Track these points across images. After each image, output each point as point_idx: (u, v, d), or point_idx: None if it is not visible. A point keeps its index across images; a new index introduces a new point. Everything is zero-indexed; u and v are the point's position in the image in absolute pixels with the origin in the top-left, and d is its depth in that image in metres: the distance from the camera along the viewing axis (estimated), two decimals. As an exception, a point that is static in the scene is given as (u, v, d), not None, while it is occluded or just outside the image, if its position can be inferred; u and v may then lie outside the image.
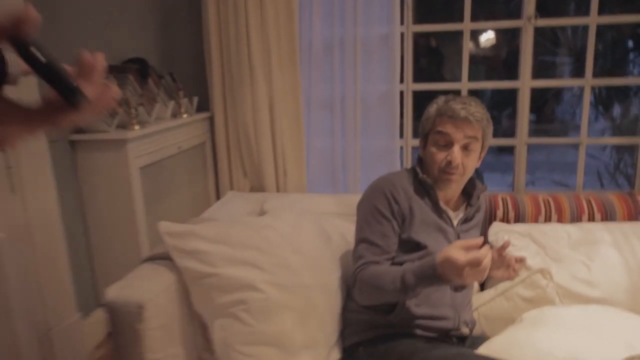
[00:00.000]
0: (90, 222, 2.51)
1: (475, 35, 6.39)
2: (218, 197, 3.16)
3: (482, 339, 1.57)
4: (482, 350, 1.41)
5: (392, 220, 1.56)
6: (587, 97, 2.86)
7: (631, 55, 6.04)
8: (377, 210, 1.57)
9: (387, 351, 1.50)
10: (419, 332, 1.50)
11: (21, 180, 2.04)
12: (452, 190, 1.59)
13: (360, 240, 1.60)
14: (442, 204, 1.58)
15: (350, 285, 1.71)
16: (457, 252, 1.27)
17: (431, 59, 6.01)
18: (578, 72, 5.41)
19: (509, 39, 5.97)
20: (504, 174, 4.83)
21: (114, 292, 1.43)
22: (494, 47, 6.74)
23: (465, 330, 1.57)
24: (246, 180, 3.05)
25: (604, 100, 5.57)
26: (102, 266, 2.57)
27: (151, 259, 1.61)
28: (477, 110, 1.51)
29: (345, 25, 2.87)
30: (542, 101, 6.22)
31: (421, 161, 1.65)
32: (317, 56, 2.93)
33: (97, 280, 2.59)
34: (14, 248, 2.04)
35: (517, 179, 2.93)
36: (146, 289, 1.45)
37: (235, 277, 1.51)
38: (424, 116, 1.62)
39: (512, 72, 3.04)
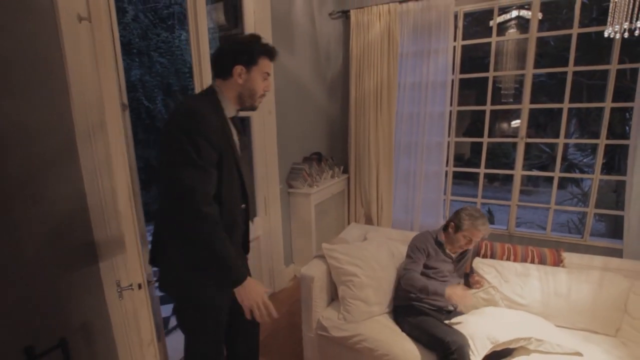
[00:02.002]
0: (292, 227, 2.87)
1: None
2: (348, 219, 3.46)
3: (459, 313, 1.71)
4: (449, 292, 1.56)
5: (423, 255, 1.73)
6: (555, 185, 2.86)
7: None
8: (417, 248, 1.74)
9: (410, 311, 1.68)
10: (426, 305, 1.68)
11: (269, 209, 2.52)
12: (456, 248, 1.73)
13: (408, 258, 1.75)
14: (448, 251, 1.74)
15: (399, 277, 1.84)
16: (456, 293, 1.55)
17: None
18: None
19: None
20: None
21: (304, 271, 1.77)
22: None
23: (450, 308, 1.72)
24: (362, 209, 3.39)
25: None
26: (296, 244, 2.93)
27: (316, 257, 1.92)
28: (487, 230, 1.62)
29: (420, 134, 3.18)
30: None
31: (445, 230, 1.74)
32: (402, 153, 3.25)
33: (293, 251, 2.95)
34: (265, 239, 2.52)
35: (510, 224, 3.01)
36: (315, 270, 1.78)
37: (349, 270, 1.76)
38: (461, 220, 1.66)
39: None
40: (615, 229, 3.53)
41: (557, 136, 2.73)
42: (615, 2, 1.07)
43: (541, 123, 5.29)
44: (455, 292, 1.56)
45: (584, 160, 4.48)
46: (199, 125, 1.02)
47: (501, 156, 5.48)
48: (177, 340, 2.19)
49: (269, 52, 1.17)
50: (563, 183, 4.50)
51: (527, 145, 2.84)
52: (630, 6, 1.03)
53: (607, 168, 3.53)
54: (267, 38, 2.44)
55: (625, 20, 1.06)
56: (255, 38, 1.19)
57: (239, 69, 1.14)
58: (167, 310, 2.61)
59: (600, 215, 3.82)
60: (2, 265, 1.09)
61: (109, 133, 0.96)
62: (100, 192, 1.35)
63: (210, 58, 1.44)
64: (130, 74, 4.43)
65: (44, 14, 1.14)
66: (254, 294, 1.06)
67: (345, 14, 3.19)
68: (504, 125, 7.56)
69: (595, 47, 2.56)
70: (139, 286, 1.11)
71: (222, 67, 1.17)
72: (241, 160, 1.19)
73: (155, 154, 4.89)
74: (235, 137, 1.20)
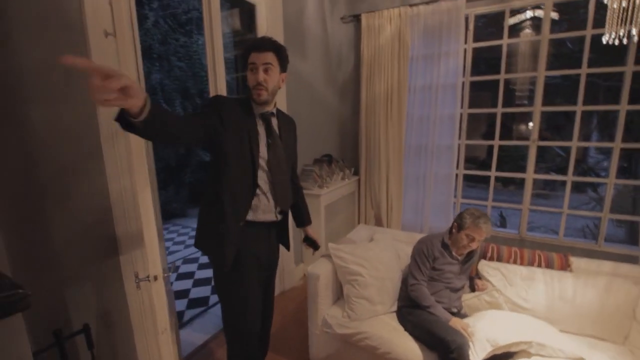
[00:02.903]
0: None
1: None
2: (359, 220, 3.49)
3: (462, 316, 1.74)
4: (452, 323, 1.58)
5: (429, 259, 1.76)
6: (568, 189, 2.80)
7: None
8: (423, 252, 1.77)
9: (413, 311, 1.71)
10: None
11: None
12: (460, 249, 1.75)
13: (414, 263, 1.79)
14: (454, 253, 1.76)
15: (403, 278, 1.93)
16: (456, 325, 1.55)
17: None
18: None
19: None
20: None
21: (310, 269, 1.83)
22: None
23: (453, 309, 1.73)
24: (372, 210, 3.42)
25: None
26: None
27: (323, 256, 1.97)
28: (490, 228, 1.67)
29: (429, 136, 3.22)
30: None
31: (451, 232, 1.78)
32: (412, 155, 3.28)
33: (303, 251, 2.97)
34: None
35: (521, 228, 2.98)
36: (321, 269, 1.84)
37: (354, 269, 1.82)
38: (463, 219, 1.69)
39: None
40: (633, 235, 3.44)
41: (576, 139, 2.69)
42: (614, 9, 1.09)
43: (560, 125, 5.17)
44: (456, 324, 1.58)
45: (605, 163, 4.35)
46: (213, 101, 1.25)
47: (518, 159, 5.38)
48: (190, 335, 2.31)
49: (249, 46, 1.25)
50: (582, 187, 4.40)
51: (543, 148, 2.81)
52: (626, 13, 1.06)
53: (627, 172, 3.43)
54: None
55: (621, 27, 1.08)
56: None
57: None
58: (180, 305, 2.75)
59: (620, 221, 3.71)
60: (35, 257, 1.21)
61: (130, 136, 1.07)
62: (122, 191, 1.47)
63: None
64: (150, 78, 4.63)
65: (75, 30, 1.27)
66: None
67: (356, 18, 3.26)
68: (522, 127, 7.43)
69: (611, 48, 2.51)
70: (155, 278, 1.21)
71: None
72: (270, 150, 1.31)
73: (174, 155, 5.09)
74: (262, 129, 1.32)
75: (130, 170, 1.32)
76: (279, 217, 1.42)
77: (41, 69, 1.19)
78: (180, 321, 2.46)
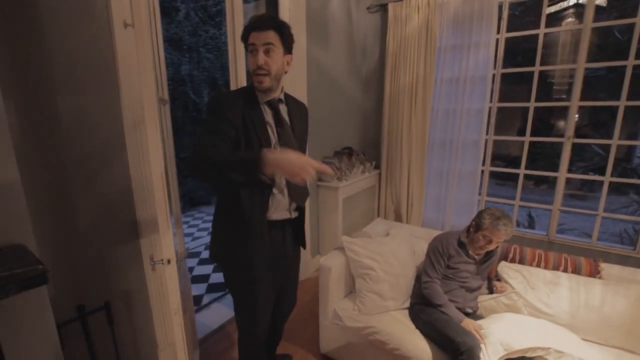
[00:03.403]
0: (320, 219, 2.92)
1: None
2: (378, 214, 3.44)
3: (478, 317, 1.69)
4: (464, 323, 1.55)
5: (443, 257, 1.73)
6: (605, 190, 2.60)
7: None
8: (438, 250, 1.74)
9: (423, 310, 1.69)
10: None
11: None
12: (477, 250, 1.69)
13: (428, 260, 1.76)
14: (470, 252, 1.71)
15: (417, 275, 1.90)
16: (468, 327, 1.50)
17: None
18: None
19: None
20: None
21: (323, 261, 1.83)
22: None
23: (468, 310, 1.69)
24: (392, 205, 3.37)
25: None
26: (322, 237, 2.96)
27: (337, 249, 1.96)
28: (510, 231, 1.58)
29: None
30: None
31: (468, 230, 1.73)
32: (436, 150, 3.20)
33: (320, 243, 2.98)
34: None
35: (550, 230, 2.83)
36: (334, 261, 1.84)
37: (367, 263, 1.80)
38: (482, 219, 1.63)
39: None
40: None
41: (619, 136, 2.47)
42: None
43: (604, 121, 4.79)
44: (468, 325, 1.53)
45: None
46: (216, 106, 1.15)
47: (554, 157, 5.07)
48: (207, 317, 2.41)
49: (248, 26, 1.14)
50: (624, 189, 4.06)
51: (582, 146, 2.63)
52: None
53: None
54: (301, 33, 2.53)
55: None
56: None
57: None
58: (200, 289, 2.86)
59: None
60: (62, 238, 1.30)
61: (146, 126, 1.11)
62: (142, 177, 1.54)
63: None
64: (180, 69, 4.78)
65: (102, 21, 1.32)
66: (287, 161, 0.93)
67: (383, 8, 3.17)
68: (561, 123, 6.96)
69: (666, 38, 2.27)
70: (168, 261, 1.26)
71: None
72: (280, 140, 1.21)
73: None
74: (270, 118, 1.22)
75: (147, 158, 1.38)
76: (294, 214, 1.34)
77: (69, 59, 1.26)
78: (198, 304, 2.56)
